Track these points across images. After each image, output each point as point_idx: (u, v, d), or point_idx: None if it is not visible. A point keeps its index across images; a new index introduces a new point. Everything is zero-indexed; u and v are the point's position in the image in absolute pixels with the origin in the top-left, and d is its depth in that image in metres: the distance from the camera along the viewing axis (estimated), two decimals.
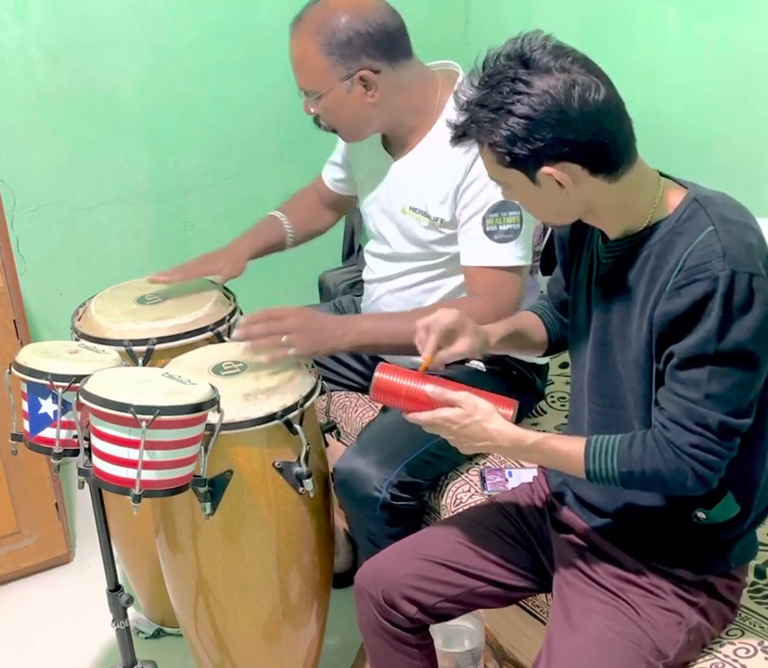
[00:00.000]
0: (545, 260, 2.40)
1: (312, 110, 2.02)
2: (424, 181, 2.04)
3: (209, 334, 2.14)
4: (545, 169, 1.41)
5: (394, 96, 1.98)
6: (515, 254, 1.98)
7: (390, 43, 1.94)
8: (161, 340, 2.09)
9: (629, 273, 1.51)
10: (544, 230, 2.37)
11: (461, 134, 1.47)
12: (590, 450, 1.51)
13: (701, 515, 1.54)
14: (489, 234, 1.97)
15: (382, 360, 2.28)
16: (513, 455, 1.63)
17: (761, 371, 1.45)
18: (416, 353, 1.63)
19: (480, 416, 1.55)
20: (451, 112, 1.95)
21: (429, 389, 1.58)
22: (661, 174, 1.52)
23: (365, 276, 2.29)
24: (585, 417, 1.66)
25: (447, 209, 2.02)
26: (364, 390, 2.39)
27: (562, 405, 2.30)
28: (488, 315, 1.94)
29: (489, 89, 1.41)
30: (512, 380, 2.18)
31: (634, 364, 1.53)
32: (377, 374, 1.62)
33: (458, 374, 2.15)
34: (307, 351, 1.93)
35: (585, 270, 1.62)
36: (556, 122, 1.38)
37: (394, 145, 2.10)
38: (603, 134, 1.41)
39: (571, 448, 1.53)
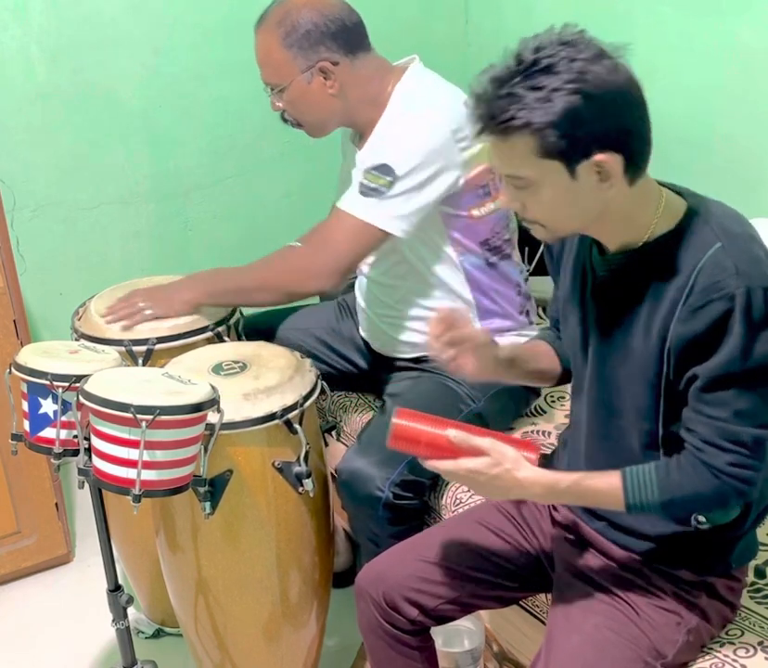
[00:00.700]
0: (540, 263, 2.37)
1: (278, 105, 2.10)
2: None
3: (209, 334, 2.14)
4: (598, 156, 1.35)
5: (353, 88, 2.06)
6: (366, 210, 2.00)
7: (347, 36, 2.03)
8: (161, 339, 2.10)
9: (630, 287, 1.49)
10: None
11: (502, 121, 1.35)
12: (628, 484, 1.47)
13: (701, 518, 1.53)
14: (360, 185, 2.02)
15: (384, 358, 2.29)
16: (546, 500, 1.56)
17: None
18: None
19: (510, 464, 1.48)
20: (397, 101, 2.04)
21: (452, 433, 1.49)
22: (659, 183, 1.49)
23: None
24: (584, 426, 1.65)
25: None
26: (366, 389, 2.39)
27: (562, 405, 2.30)
28: (303, 259, 2.02)
29: (537, 72, 1.34)
30: None
31: (640, 377, 1.50)
32: (394, 420, 1.53)
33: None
34: (161, 311, 2.12)
35: (577, 282, 1.59)
36: (617, 106, 1.35)
37: (359, 138, 2.16)
38: (646, 125, 1.40)
39: (607, 485, 1.49)
